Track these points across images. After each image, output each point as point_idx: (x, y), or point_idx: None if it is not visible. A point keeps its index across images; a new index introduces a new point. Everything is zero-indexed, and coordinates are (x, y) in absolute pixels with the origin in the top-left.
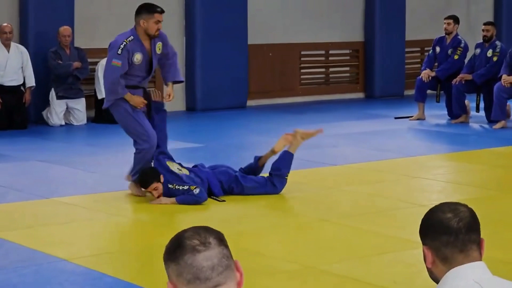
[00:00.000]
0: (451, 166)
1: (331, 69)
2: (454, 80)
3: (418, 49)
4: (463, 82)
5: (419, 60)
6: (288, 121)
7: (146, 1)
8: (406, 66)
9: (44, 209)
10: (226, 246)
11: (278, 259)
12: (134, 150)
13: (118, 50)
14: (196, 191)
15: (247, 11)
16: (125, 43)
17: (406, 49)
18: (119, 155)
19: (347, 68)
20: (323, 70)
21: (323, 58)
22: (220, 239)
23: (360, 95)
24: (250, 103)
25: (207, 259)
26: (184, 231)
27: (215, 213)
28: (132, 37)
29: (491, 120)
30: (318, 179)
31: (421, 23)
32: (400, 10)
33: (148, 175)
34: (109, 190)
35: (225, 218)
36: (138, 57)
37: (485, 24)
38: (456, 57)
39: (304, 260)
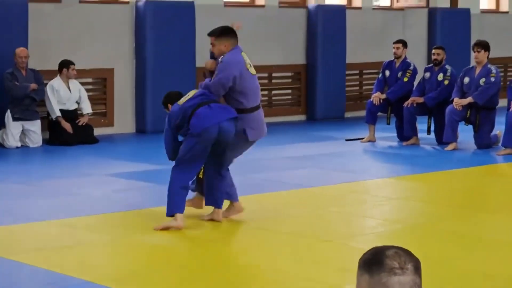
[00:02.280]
0: (420, 187)
1: (274, 92)
2: (406, 103)
3: (357, 71)
4: (415, 105)
5: (358, 82)
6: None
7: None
8: (346, 89)
9: (44, 231)
10: (420, 276)
11: (301, 278)
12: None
13: None
14: None
15: (195, 35)
16: None
17: (346, 72)
18: (87, 178)
19: (289, 91)
20: (266, 92)
21: (266, 81)
22: (417, 267)
23: (302, 117)
24: None
25: (401, 284)
26: (387, 248)
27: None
28: None
29: (441, 142)
30: (302, 201)
31: (360, 46)
32: (341, 33)
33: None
34: (95, 213)
35: (225, 237)
36: None
37: (435, 48)
38: (405, 79)
39: (325, 279)
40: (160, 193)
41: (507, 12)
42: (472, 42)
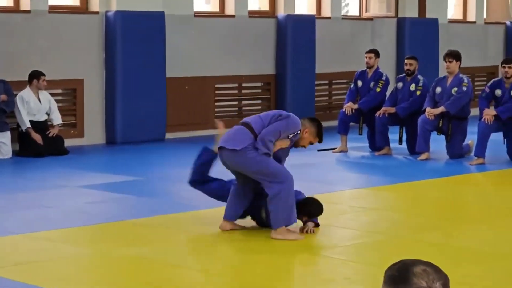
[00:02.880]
0: (397, 198)
1: (244, 102)
2: (378, 113)
3: (327, 81)
4: (387, 115)
5: (327, 92)
6: None
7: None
8: (316, 99)
9: (21, 245)
10: None
11: None
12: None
13: None
14: None
15: (165, 45)
16: None
17: (316, 82)
18: (60, 190)
19: (259, 101)
20: (236, 103)
21: (236, 91)
22: (445, 284)
23: None
24: (168, 135)
25: None
26: (414, 264)
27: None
28: None
29: (413, 152)
30: None
31: (329, 56)
32: (310, 43)
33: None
34: (71, 225)
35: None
36: None
37: (408, 58)
38: (378, 89)
39: None
40: (136, 205)
41: (474, 22)
42: (440, 51)
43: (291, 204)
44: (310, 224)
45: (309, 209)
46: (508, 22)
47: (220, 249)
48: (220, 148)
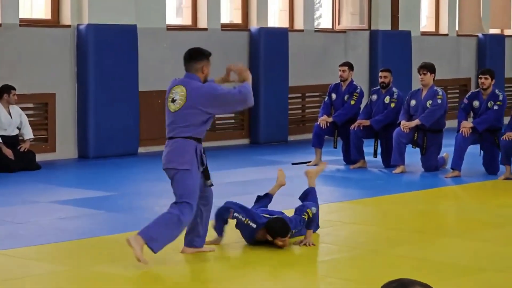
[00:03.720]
0: (373, 211)
1: (217, 116)
2: (352, 126)
3: (300, 94)
4: (361, 128)
5: (300, 105)
6: None
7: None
8: (289, 112)
9: None
10: None
11: None
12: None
13: None
14: None
15: (138, 58)
16: None
17: (289, 95)
18: (32, 205)
19: (232, 115)
20: None
21: None
22: None
23: (245, 141)
24: (141, 149)
25: None
26: (412, 284)
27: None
28: None
29: (388, 165)
30: None
31: (303, 69)
32: (283, 56)
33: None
34: (46, 242)
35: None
36: None
37: (382, 70)
38: (352, 102)
39: None
40: (110, 221)
41: (446, 35)
42: (413, 64)
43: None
44: (309, 238)
45: (274, 229)
46: (480, 35)
47: (195, 264)
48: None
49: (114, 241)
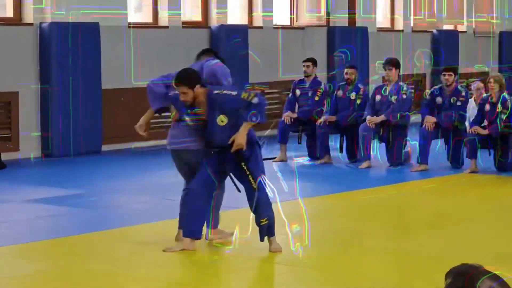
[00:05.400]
0: (343, 206)
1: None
2: (318, 121)
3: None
4: (327, 124)
5: None
6: (144, 164)
7: None
8: None
9: None
10: None
11: None
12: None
13: None
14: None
15: (100, 56)
16: None
17: None
18: (5, 204)
19: None
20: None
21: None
22: None
23: None
24: (105, 148)
25: None
26: (478, 275)
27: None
28: None
29: (354, 160)
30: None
31: (262, 65)
32: (243, 55)
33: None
34: (25, 240)
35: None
36: None
37: (347, 67)
38: (316, 98)
39: None
40: (85, 219)
41: (402, 31)
42: (370, 59)
43: None
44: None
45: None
46: (434, 31)
47: (168, 260)
48: None
49: (93, 239)
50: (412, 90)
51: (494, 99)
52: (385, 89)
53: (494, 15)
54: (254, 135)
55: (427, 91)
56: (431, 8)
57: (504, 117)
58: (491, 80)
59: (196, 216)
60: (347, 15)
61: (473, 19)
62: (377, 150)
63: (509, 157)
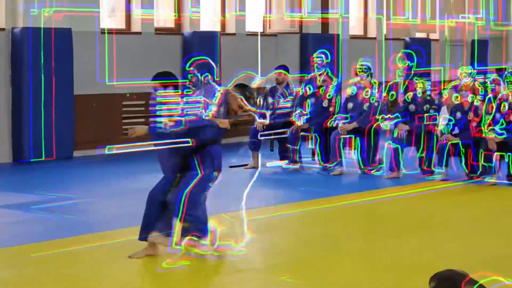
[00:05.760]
0: (317, 213)
1: (151, 119)
2: (291, 128)
3: None
4: (299, 131)
5: None
6: (116, 170)
7: None
8: None
9: None
10: None
11: None
12: None
13: None
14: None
15: (73, 61)
16: None
17: None
18: None
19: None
20: (143, 120)
21: (143, 108)
22: None
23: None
24: (77, 153)
25: None
26: (465, 281)
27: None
28: None
29: (326, 167)
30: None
31: (235, 72)
32: (216, 60)
33: None
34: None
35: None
36: None
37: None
38: (289, 105)
39: None
40: (58, 224)
41: (374, 38)
42: (342, 66)
43: None
44: None
45: None
46: (407, 38)
47: (141, 266)
48: None
49: (65, 244)
50: (384, 97)
51: (466, 107)
52: (357, 96)
53: (467, 21)
54: (215, 154)
55: (400, 98)
56: (404, 16)
57: (474, 124)
58: (463, 88)
59: (144, 221)
60: (320, 21)
61: (446, 24)
62: (358, 154)
63: (480, 164)
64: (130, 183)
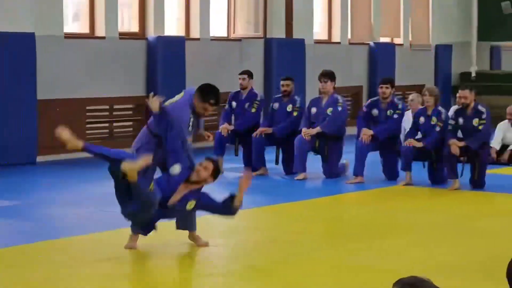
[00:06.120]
0: (279, 218)
1: (115, 124)
2: (255, 133)
3: None
4: (263, 135)
5: None
6: (79, 176)
7: None
8: None
9: None
10: None
11: None
12: None
13: None
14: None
15: (36, 66)
16: None
17: None
18: None
19: (131, 123)
20: (107, 125)
21: (107, 113)
22: None
23: None
24: (40, 158)
25: None
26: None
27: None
28: None
29: (290, 172)
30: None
31: (199, 77)
32: (180, 64)
33: None
34: None
35: None
36: None
37: (284, 79)
38: (253, 110)
39: None
40: (20, 230)
41: (339, 43)
42: (307, 71)
43: None
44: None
45: None
46: (371, 43)
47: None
48: None
49: (26, 250)
50: (348, 103)
51: (429, 112)
52: (321, 101)
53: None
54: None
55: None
56: (368, 20)
57: (438, 129)
58: (426, 92)
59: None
60: (284, 26)
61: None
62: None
63: (443, 169)
64: (92, 188)
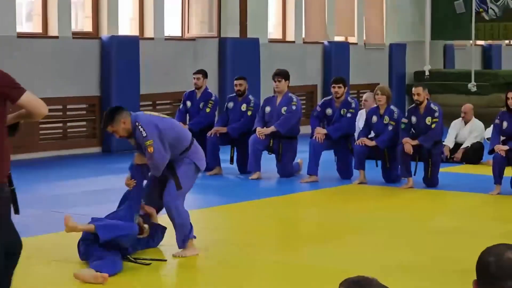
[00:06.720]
0: (232, 218)
1: (68, 124)
2: (209, 133)
3: (151, 102)
4: (218, 135)
5: (149, 112)
6: (32, 176)
7: None
8: None
9: None
10: None
11: None
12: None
13: None
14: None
15: None
16: None
17: (140, 103)
18: None
19: (84, 123)
20: (60, 125)
21: (60, 113)
22: None
23: (98, 149)
24: None
25: None
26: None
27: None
28: None
29: (244, 172)
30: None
31: (154, 77)
32: (134, 64)
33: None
34: None
35: None
36: None
37: (237, 78)
38: (208, 110)
39: None
40: None
41: (293, 42)
42: (261, 71)
43: None
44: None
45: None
46: (325, 42)
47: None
48: None
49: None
50: (303, 102)
51: (381, 111)
52: (275, 100)
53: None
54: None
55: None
56: (322, 19)
57: (390, 128)
58: (378, 92)
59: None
60: (239, 26)
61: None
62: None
63: (397, 167)
64: (44, 190)
